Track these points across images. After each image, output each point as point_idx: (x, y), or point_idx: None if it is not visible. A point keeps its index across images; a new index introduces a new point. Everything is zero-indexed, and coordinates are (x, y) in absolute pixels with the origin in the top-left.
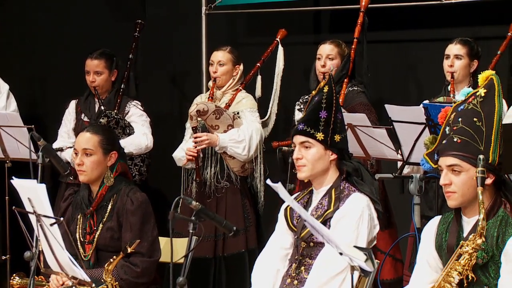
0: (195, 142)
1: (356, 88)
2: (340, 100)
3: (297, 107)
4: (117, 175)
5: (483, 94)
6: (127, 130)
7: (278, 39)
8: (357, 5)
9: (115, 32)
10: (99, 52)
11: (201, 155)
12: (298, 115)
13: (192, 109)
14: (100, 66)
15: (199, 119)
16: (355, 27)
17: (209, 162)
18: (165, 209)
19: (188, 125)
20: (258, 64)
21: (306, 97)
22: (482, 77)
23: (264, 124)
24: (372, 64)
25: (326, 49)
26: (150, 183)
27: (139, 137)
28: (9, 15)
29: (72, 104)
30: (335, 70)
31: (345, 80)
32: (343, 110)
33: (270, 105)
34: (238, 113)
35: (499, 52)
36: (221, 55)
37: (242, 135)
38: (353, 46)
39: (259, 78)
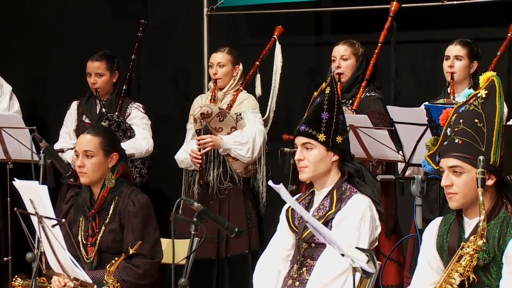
0: (199, 145)
1: (373, 94)
2: (355, 104)
3: None
4: (118, 177)
5: (484, 95)
6: (128, 133)
7: (275, 36)
8: (358, 7)
9: (117, 33)
10: (100, 54)
11: (204, 158)
12: None
13: (196, 112)
14: (101, 68)
15: (202, 121)
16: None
17: (212, 164)
18: (166, 211)
19: (189, 126)
20: (257, 63)
21: None
22: (483, 78)
23: (264, 123)
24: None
25: (340, 50)
26: (151, 184)
27: (140, 141)
28: (10, 16)
29: (74, 105)
30: (351, 71)
31: (363, 84)
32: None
33: (269, 103)
34: (240, 114)
35: (499, 53)
36: (220, 57)
37: (246, 137)
38: (376, 51)
39: (258, 76)
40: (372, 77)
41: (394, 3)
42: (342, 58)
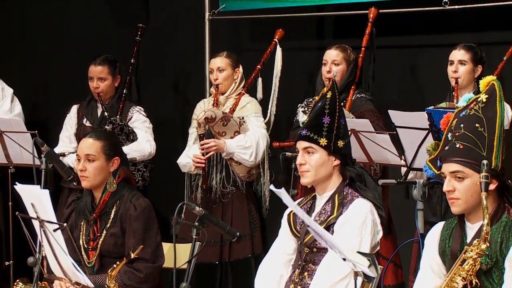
0: (203, 149)
1: (364, 96)
2: (347, 106)
3: (300, 108)
4: (120, 181)
5: (484, 100)
6: (131, 136)
7: (276, 39)
8: (360, 11)
9: (118, 36)
10: (102, 58)
11: (207, 162)
12: (302, 117)
13: (200, 117)
14: (104, 72)
15: (206, 126)
16: (363, 36)
17: (215, 168)
18: (168, 215)
19: (191, 131)
20: (259, 67)
21: (311, 99)
22: (483, 82)
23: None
24: (376, 70)
25: (332, 55)
26: (152, 188)
27: (143, 144)
28: (10, 19)
29: (74, 108)
30: (342, 76)
31: (352, 86)
32: (351, 115)
33: (269, 106)
34: (243, 118)
35: (505, 58)
36: (219, 61)
37: (249, 141)
38: (361, 55)
39: (259, 80)
40: (360, 80)
41: (372, 9)
42: (334, 63)
